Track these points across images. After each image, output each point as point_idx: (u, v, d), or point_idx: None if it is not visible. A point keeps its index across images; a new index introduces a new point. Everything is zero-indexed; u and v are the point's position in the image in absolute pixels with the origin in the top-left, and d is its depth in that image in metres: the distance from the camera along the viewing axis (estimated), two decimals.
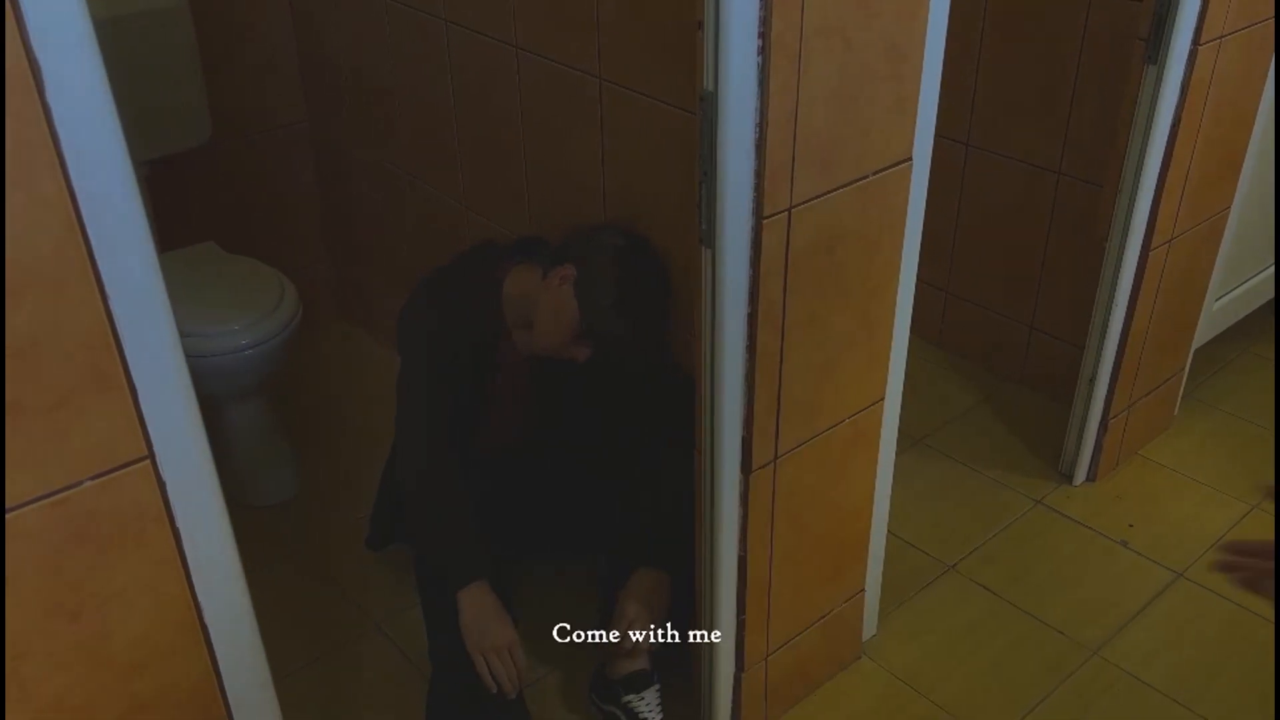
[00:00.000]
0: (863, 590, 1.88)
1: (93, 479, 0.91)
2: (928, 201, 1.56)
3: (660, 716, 1.73)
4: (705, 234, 1.34)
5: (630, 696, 1.73)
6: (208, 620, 1.05)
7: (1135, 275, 2.13)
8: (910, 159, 1.48)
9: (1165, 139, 1.98)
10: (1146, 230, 2.08)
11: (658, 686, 1.75)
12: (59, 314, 0.83)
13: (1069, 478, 2.39)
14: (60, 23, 0.76)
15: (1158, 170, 2.01)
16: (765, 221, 1.33)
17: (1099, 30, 2.23)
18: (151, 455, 0.94)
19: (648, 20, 1.63)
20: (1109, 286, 2.15)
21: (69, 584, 0.93)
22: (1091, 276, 2.20)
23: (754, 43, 1.22)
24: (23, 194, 0.78)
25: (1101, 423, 2.31)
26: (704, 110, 1.26)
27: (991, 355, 2.75)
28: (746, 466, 1.50)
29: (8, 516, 0.87)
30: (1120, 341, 2.20)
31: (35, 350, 0.83)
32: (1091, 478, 2.38)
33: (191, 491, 0.98)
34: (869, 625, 1.96)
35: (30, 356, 0.83)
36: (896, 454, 1.80)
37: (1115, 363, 2.23)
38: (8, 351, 0.82)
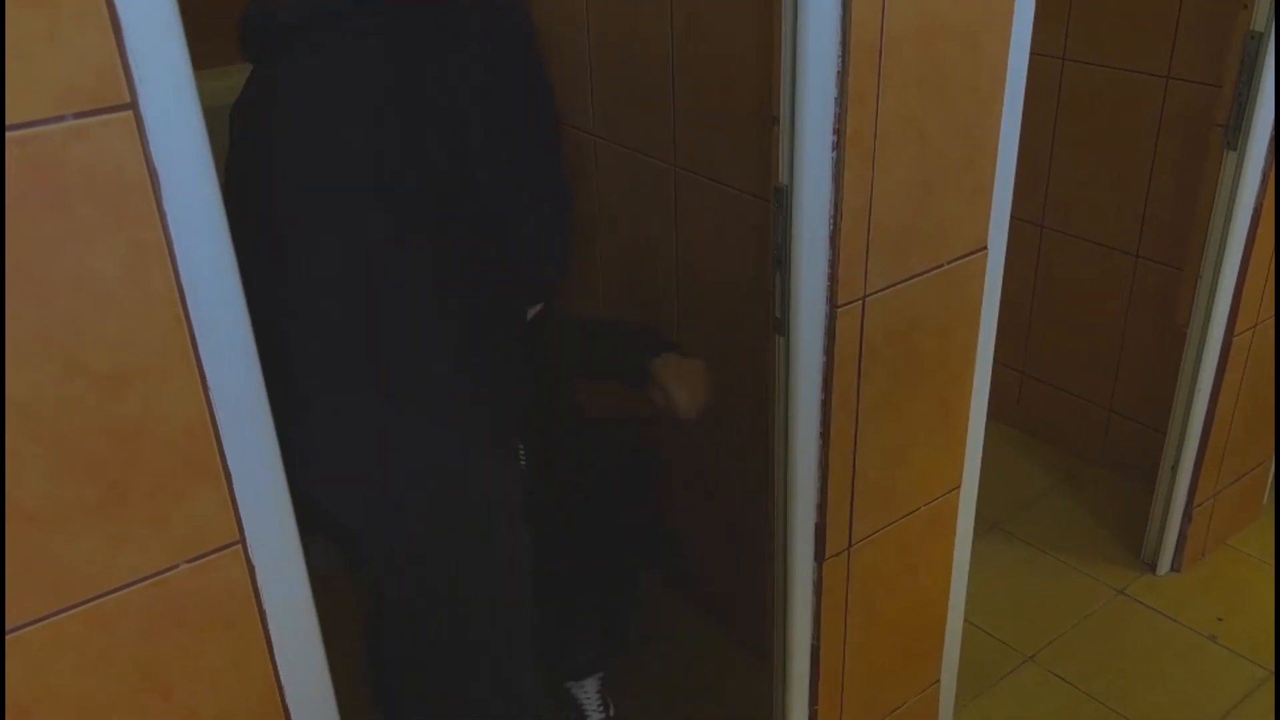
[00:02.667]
0: (938, 681, 1.84)
1: (188, 562, 0.94)
2: (1004, 281, 1.56)
3: (600, 708, 1.66)
4: (780, 322, 1.35)
5: (571, 683, 1.66)
6: (289, 700, 1.07)
7: (1219, 362, 2.08)
8: (985, 247, 1.49)
9: (1247, 225, 1.95)
10: (1229, 316, 2.04)
11: (600, 675, 1.67)
12: (163, 403, 0.87)
13: (1152, 566, 2.32)
14: (179, 132, 0.81)
15: (1240, 256, 1.98)
16: (839, 310, 1.35)
17: (1176, 114, 2.22)
18: (242, 539, 0.97)
19: (721, 112, 1.66)
20: (1191, 372, 2.11)
21: (164, 662, 0.96)
22: (1172, 359, 2.16)
23: (829, 138, 1.24)
24: (137, 290, 0.83)
25: (1186, 511, 2.25)
26: (779, 202, 1.29)
27: (1070, 437, 2.70)
28: (820, 554, 1.49)
29: (110, 597, 0.90)
30: (1204, 429, 2.15)
31: (139, 438, 0.87)
32: (1176, 567, 2.31)
33: (279, 574, 1.00)
34: (944, 718, 1.91)
35: (134, 443, 0.87)
36: (973, 539, 1.77)
37: (1199, 450, 2.18)
38: (115, 438, 0.86)
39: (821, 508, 1.46)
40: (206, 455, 0.91)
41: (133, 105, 0.79)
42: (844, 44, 1.20)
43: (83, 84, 0.77)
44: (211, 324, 0.87)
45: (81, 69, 0.76)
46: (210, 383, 0.89)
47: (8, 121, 0.75)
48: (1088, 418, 2.63)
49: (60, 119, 0.77)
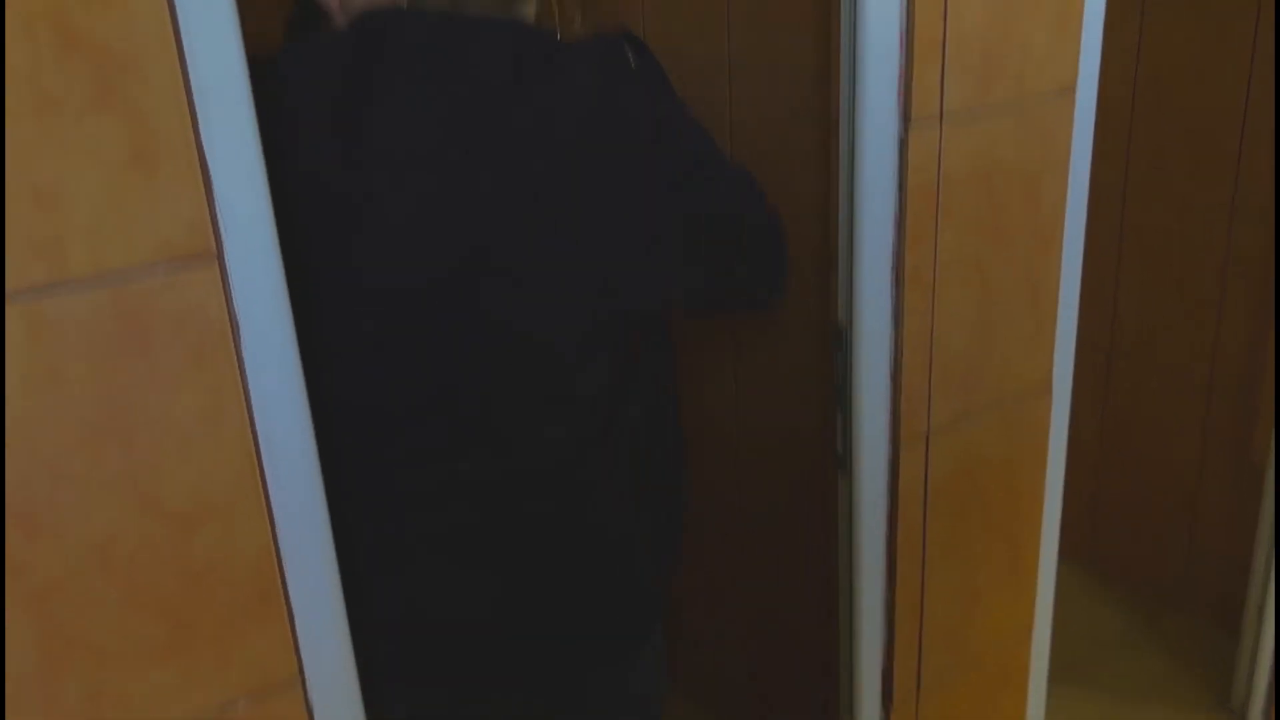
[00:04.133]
0: None
1: (246, 697, 0.95)
2: (1072, 414, 1.54)
3: None
4: (842, 459, 1.35)
5: None
6: None
7: None
8: (1050, 383, 1.47)
9: None
10: None
11: None
12: (232, 543, 0.89)
13: (1242, 716, 2.21)
14: (260, 280, 0.85)
15: None
16: (903, 447, 1.34)
17: (1242, 248, 2.21)
18: (302, 676, 0.97)
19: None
20: (1271, 510, 2.04)
21: None
22: (1252, 495, 2.10)
23: (888, 276, 1.26)
24: (213, 433, 0.85)
25: (1276, 655, 2.14)
26: (839, 339, 1.30)
27: (1148, 577, 2.61)
28: (887, 701, 1.44)
29: None
30: None
31: (208, 577, 0.89)
32: (1268, 716, 2.19)
33: (337, 712, 1.00)
34: None
35: (203, 583, 0.88)
36: (1048, 687, 1.70)
37: None
38: (185, 577, 0.88)
39: (888, 651, 1.42)
40: (272, 594, 0.92)
41: (218, 255, 0.84)
42: (901, 187, 1.22)
43: (174, 237, 0.81)
44: (282, 465, 0.89)
45: (174, 223, 0.81)
46: (278, 523, 0.91)
47: (107, 269, 0.79)
48: (1166, 557, 2.55)
49: (151, 271, 0.81)
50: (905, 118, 1.20)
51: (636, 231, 1.05)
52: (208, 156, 0.81)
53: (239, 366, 0.85)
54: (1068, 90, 1.32)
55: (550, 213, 0.99)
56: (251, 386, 0.86)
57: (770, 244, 1.20)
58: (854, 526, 1.35)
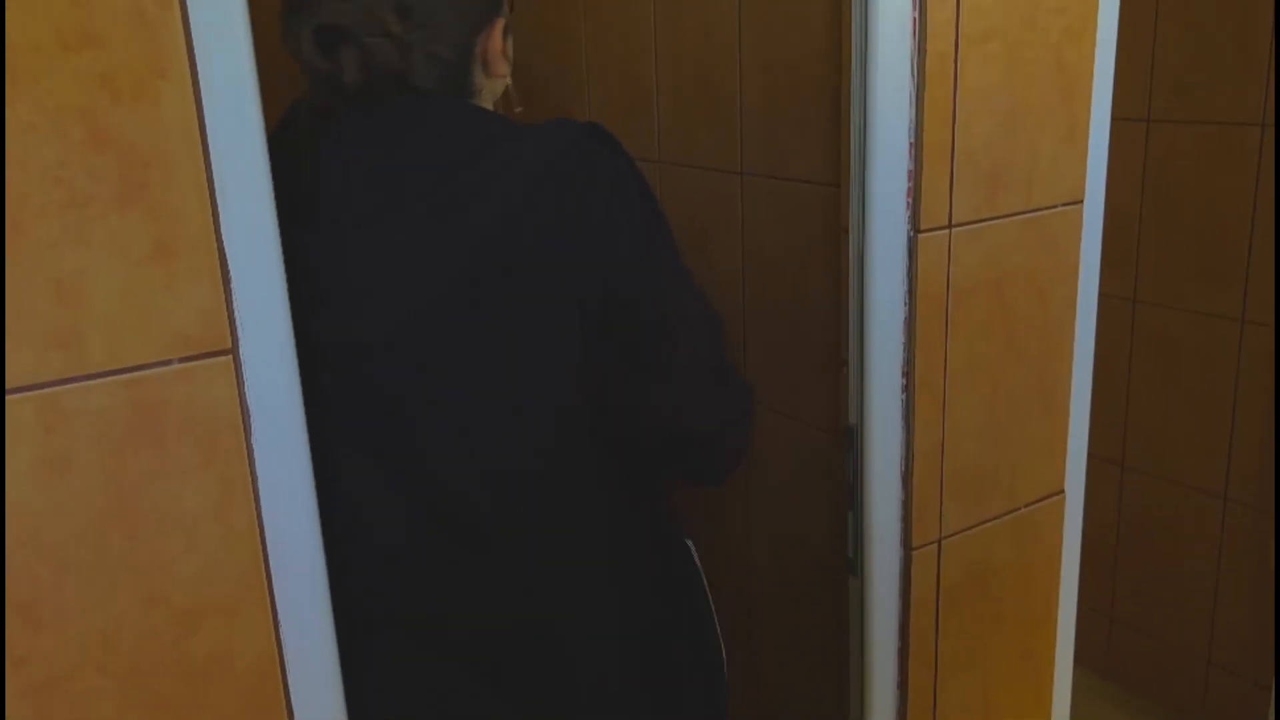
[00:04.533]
0: None
1: None
2: (1086, 522, 1.52)
3: None
4: (852, 563, 1.33)
5: None
6: None
7: None
8: (1063, 490, 1.46)
9: None
10: None
11: None
12: (235, 640, 0.88)
13: None
14: (274, 373, 0.86)
15: None
16: (914, 552, 1.32)
17: (1254, 357, 2.21)
18: None
19: (790, 352, 1.70)
20: None
21: None
22: (1272, 607, 2.06)
23: (898, 381, 1.26)
24: (220, 527, 0.85)
25: None
26: (849, 442, 1.29)
27: (1166, 690, 2.54)
28: None
29: None
30: None
31: (209, 674, 0.87)
32: None
33: None
34: None
35: (204, 680, 0.87)
36: None
37: None
38: (186, 674, 0.86)
39: None
40: (272, 695, 0.90)
41: (233, 350, 0.85)
42: (910, 293, 1.24)
43: (191, 330, 0.82)
44: (288, 563, 0.89)
45: (192, 317, 0.82)
46: (282, 623, 0.90)
47: (124, 362, 0.80)
48: (1184, 669, 2.49)
49: (167, 363, 0.82)
50: (914, 226, 1.21)
51: (553, 343, 1.02)
52: (228, 252, 0.82)
53: (249, 461, 0.86)
54: (1075, 201, 1.34)
55: (478, 297, 1.01)
56: (261, 482, 0.86)
57: (716, 440, 1.15)
58: (865, 631, 1.33)
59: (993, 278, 1.29)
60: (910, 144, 1.20)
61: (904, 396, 1.27)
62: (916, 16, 1.15)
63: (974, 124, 1.22)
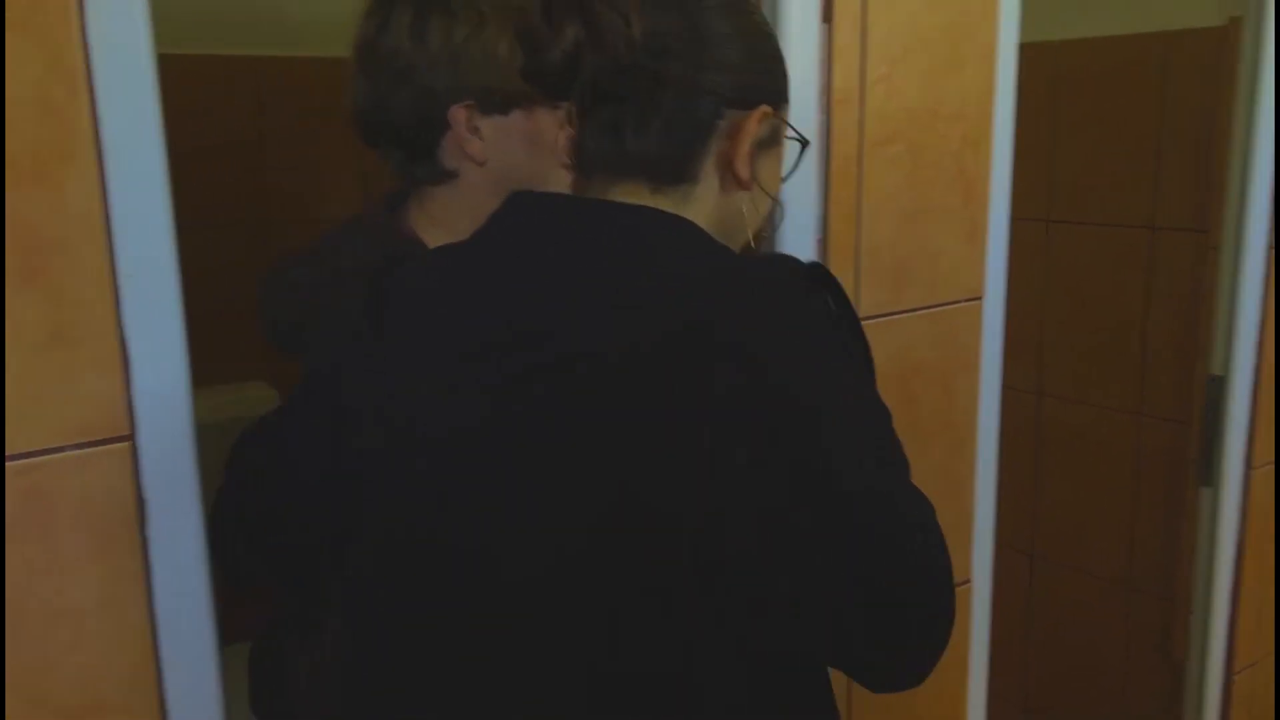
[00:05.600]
0: None
1: None
2: (996, 610, 1.54)
3: None
4: None
5: None
6: None
7: (1221, 703, 2.02)
8: (970, 579, 1.48)
9: (1232, 559, 1.96)
10: (1226, 652, 2.00)
11: None
12: None
13: None
14: (172, 461, 0.84)
15: (1229, 590, 1.97)
16: None
17: (1152, 448, 2.28)
18: None
19: None
20: (1195, 712, 2.04)
21: None
22: (1176, 692, 2.10)
23: None
24: (111, 623, 0.82)
25: None
26: None
27: None
28: None
29: None
30: None
31: None
32: None
33: None
34: None
35: None
36: None
37: None
38: None
39: None
40: None
41: (131, 437, 0.83)
42: None
43: (87, 418, 0.80)
44: (181, 659, 0.86)
45: (88, 404, 0.80)
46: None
47: (13, 452, 0.77)
48: None
49: (60, 450, 0.80)
50: None
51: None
52: (128, 339, 0.81)
53: (143, 553, 0.83)
54: (976, 297, 1.38)
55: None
56: (155, 575, 0.84)
57: (921, 627, 0.78)
58: None
59: (900, 371, 1.33)
60: (818, 240, 1.23)
61: None
62: (823, 121, 1.20)
63: (879, 223, 1.27)
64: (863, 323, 1.27)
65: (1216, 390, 1.92)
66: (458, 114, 0.97)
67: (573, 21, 0.76)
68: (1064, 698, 2.57)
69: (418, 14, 0.96)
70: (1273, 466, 1.98)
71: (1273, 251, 1.91)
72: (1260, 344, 1.93)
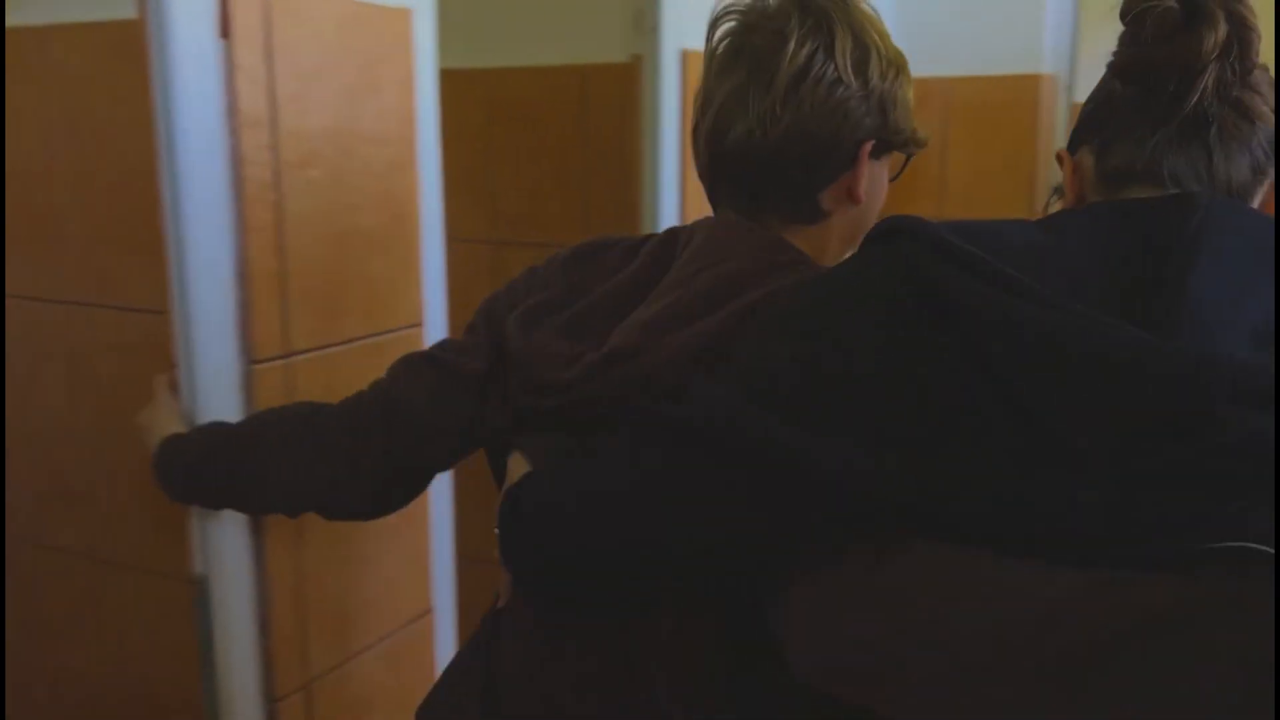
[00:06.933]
0: None
1: None
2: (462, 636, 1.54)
3: None
4: None
5: None
6: None
7: None
8: (430, 609, 1.47)
9: None
10: None
11: None
12: None
13: None
14: None
15: None
16: (279, 703, 1.23)
17: None
18: None
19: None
20: None
21: None
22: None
23: (245, 520, 1.17)
24: None
25: None
26: (200, 596, 1.17)
27: None
28: None
29: None
30: None
31: None
32: None
33: None
34: None
35: None
36: None
37: None
38: None
39: None
40: None
41: None
42: None
43: None
44: None
45: None
46: None
47: None
48: None
49: None
50: (249, 357, 1.15)
51: None
52: None
53: None
54: (416, 324, 1.37)
55: None
56: None
57: None
58: None
59: None
60: (236, 273, 1.14)
61: (252, 540, 1.19)
62: (231, 143, 1.10)
63: (305, 251, 1.20)
64: (299, 357, 1.20)
65: None
66: (867, 147, 0.91)
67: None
68: None
69: (858, 49, 0.89)
70: None
71: None
72: None
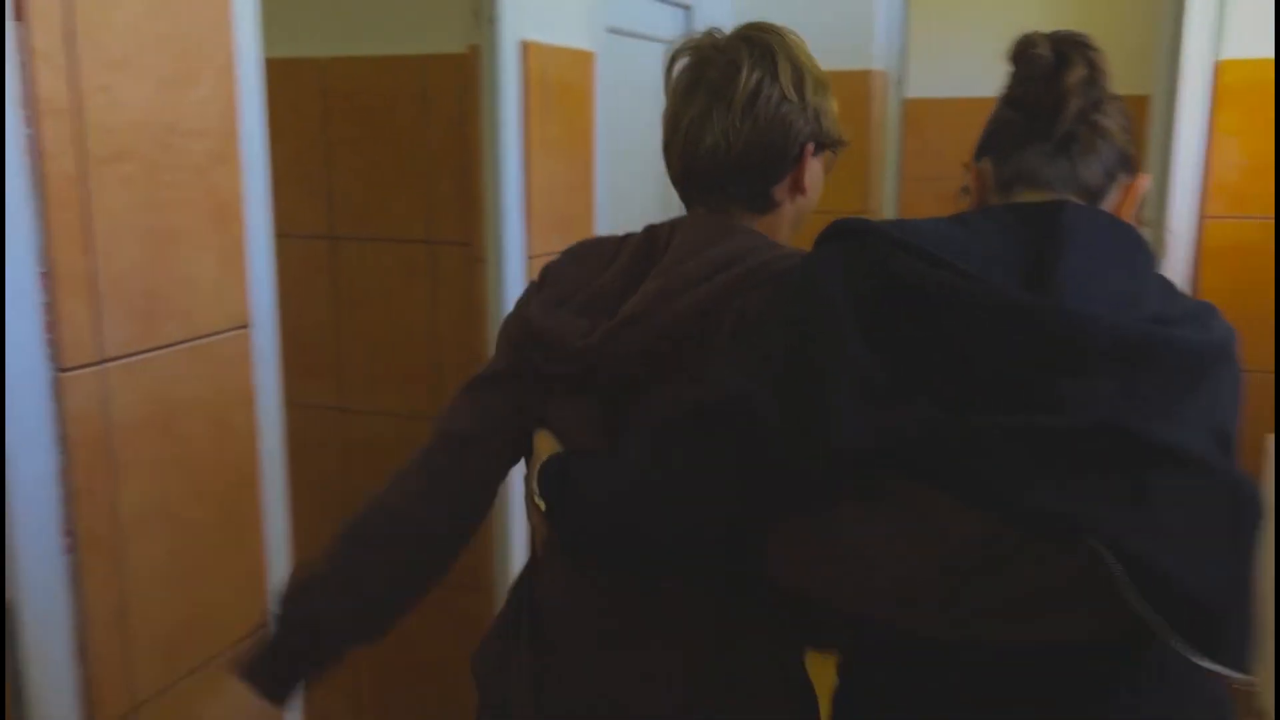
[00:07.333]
0: None
1: None
2: None
3: None
4: None
5: None
6: None
7: None
8: (267, 624, 1.40)
9: (526, 549, 2.12)
10: None
11: None
12: None
13: None
14: None
15: None
16: None
17: None
18: None
19: None
20: None
21: None
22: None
23: (59, 541, 1.10)
24: None
25: None
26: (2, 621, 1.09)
27: None
28: None
29: None
30: None
31: None
32: None
33: None
34: None
35: None
36: None
37: None
38: None
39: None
40: None
41: None
42: (63, 440, 1.09)
43: None
44: None
45: None
46: None
47: None
48: None
49: None
50: (58, 364, 1.07)
51: None
52: None
53: None
54: (243, 325, 1.30)
55: None
56: None
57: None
58: None
59: (162, 414, 1.19)
60: (42, 274, 1.05)
61: (68, 558, 1.11)
62: (30, 134, 1.02)
63: (118, 250, 1.12)
64: (112, 364, 1.12)
65: None
66: (808, 149, 1.14)
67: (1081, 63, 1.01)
68: (396, 696, 2.61)
69: (795, 72, 1.12)
70: None
71: (530, 262, 2.10)
72: None
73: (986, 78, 1.22)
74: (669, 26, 2.83)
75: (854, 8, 3.03)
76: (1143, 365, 0.89)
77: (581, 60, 2.24)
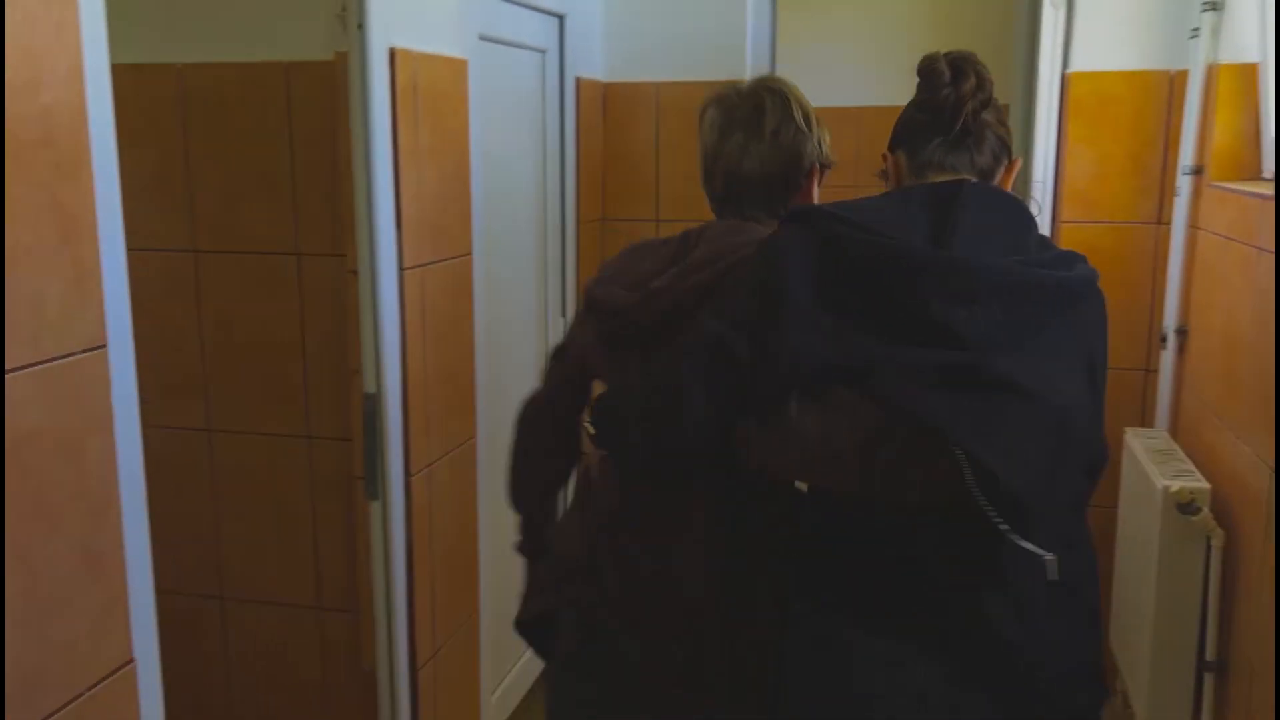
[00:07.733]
0: None
1: None
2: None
3: None
4: None
5: None
6: None
7: (410, 699, 2.14)
8: (133, 659, 1.33)
9: (404, 567, 2.08)
10: (409, 653, 2.12)
11: None
12: None
13: None
14: None
15: (405, 596, 2.09)
16: None
17: (324, 470, 2.33)
18: None
19: None
20: (388, 711, 2.14)
21: None
22: (372, 703, 2.17)
23: None
24: None
25: None
26: None
27: None
28: None
29: None
30: None
31: None
32: None
33: None
34: None
35: None
36: None
37: None
38: None
39: None
40: None
41: None
42: None
43: None
44: None
45: None
46: None
47: None
48: None
49: None
50: None
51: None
52: None
53: None
54: (98, 345, 1.23)
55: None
56: None
57: None
58: None
59: (11, 444, 1.12)
60: None
61: None
62: None
63: None
64: None
65: (371, 407, 2.01)
66: (814, 170, 1.56)
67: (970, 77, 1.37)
68: (271, 715, 2.52)
69: (802, 110, 1.56)
70: (428, 471, 2.14)
71: (403, 274, 2.05)
72: (405, 359, 2.07)
73: (853, 88, 1.43)
74: (542, 35, 2.82)
75: (725, 20, 3.07)
76: (1021, 296, 1.23)
77: (454, 67, 2.21)
